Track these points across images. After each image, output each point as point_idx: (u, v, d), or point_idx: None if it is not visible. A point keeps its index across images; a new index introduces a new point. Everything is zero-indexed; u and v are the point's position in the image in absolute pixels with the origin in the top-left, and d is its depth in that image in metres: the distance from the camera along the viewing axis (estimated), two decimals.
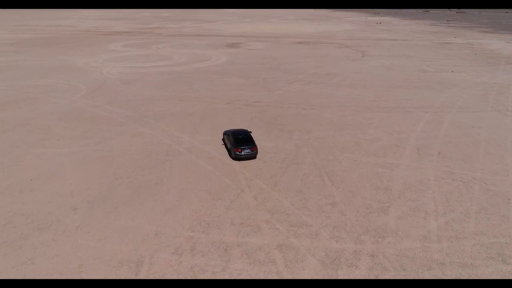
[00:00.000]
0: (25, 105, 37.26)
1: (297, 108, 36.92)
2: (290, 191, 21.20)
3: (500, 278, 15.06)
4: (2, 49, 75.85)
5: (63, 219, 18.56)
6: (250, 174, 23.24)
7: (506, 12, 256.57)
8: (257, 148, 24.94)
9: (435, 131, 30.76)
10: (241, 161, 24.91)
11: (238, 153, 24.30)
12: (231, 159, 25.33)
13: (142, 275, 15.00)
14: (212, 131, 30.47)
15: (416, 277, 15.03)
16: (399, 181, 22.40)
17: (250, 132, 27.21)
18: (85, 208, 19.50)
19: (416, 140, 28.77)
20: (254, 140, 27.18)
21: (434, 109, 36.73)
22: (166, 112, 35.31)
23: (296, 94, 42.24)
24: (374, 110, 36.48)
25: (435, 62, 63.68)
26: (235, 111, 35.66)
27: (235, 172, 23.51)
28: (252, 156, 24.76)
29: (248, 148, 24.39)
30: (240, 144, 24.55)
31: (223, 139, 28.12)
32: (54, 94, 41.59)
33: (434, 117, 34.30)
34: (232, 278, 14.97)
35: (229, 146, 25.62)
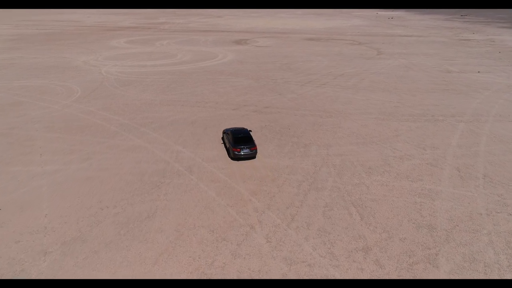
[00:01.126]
0: (11, 110, 33.51)
1: (313, 115, 32.66)
2: (311, 229, 17.10)
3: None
4: (0, 45, 72.38)
5: (28, 269, 14.71)
6: (261, 203, 19.18)
7: None
8: (256, 148, 23.79)
9: (474, 146, 26.34)
10: (250, 186, 20.85)
11: (236, 153, 23.26)
12: (238, 182, 21.30)
13: None
14: (217, 144, 26.41)
15: None
16: (443, 216, 18.16)
17: (250, 131, 25.86)
18: (58, 252, 15.62)
19: (454, 158, 24.40)
20: (256, 141, 25.66)
21: (468, 118, 32.19)
22: (166, 120, 31.30)
23: (310, 98, 37.94)
24: (400, 118, 32.06)
25: (457, 61, 58.67)
26: (242, 119, 31.51)
27: (243, 200, 19.47)
28: (252, 156, 23.72)
29: (247, 148, 23.29)
30: (239, 143, 23.41)
31: (222, 138, 26.65)
32: (45, 97, 37.81)
33: (469, 128, 29.82)
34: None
35: (228, 145, 24.54)
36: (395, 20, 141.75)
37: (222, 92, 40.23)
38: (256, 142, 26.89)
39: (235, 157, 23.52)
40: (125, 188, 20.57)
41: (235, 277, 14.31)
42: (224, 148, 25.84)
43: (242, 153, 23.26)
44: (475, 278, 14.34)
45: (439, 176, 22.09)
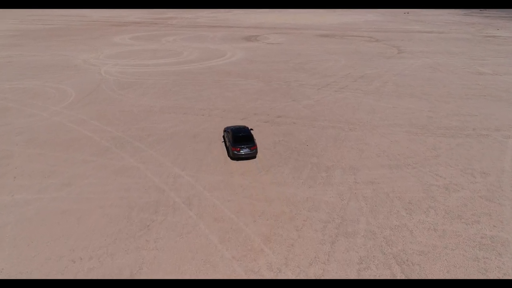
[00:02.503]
0: None
1: (333, 127, 28.04)
2: None
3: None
4: (1, 42, 68.88)
5: None
6: (277, 256, 14.82)
7: None
8: (256, 147, 22.73)
9: None
10: (262, 229, 16.48)
11: (236, 152, 22.26)
12: (247, 221, 16.96)
13: None
14: (222, 165, 22.07)
15: None
16: None
17: (251, 129, 25.15)
18: None
19: None
20: (269, 162, 22.99)
21: None
22: (165, 133, 27.04)
23: (328, 105, 33.25)
24: (435, 132, 27.24)
25: (488, 60, 53.09)
26: (253, 133, 27.06)
27: (254, 250, 15.13)
28: (252, 156, 22.69)
29: (247, 148, 22.27)
30: (238, 143, 22.36)
31: (223, 136, 25.46)
32: (34, 102, 33.85)
33: None
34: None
35: (227, 144, 23.51)
36: (411, 15, 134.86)
37: (230, 97, 35.76)
38: (269, 162, 22.48)
39: (235, 157, 22.49)
40: (107, 229, 16.40)
41: None
42: (233, 183, 21.51)
43: (241, 152, 22.18)
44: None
45: (500, 215, 17.42)
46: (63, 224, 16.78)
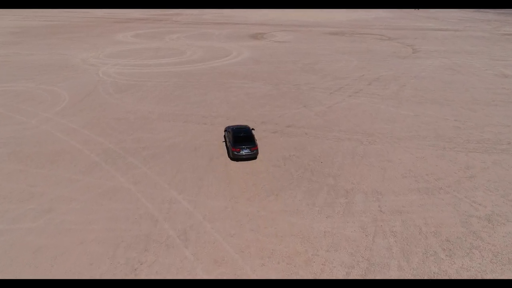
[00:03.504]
0: None
1: (350, 139, 24.92)
2: None
3: None
4: (0, 39, 66.38)
5: None
6: None
7: None
8: (257, 148, 21.91)
9: None
10: (272, 275, 13.52)
11: (236, 153, 21.43)
12: (254, 264, 14.03)
13: None
14: (226, 187, 19.12)
15: None
16: None
17: (253, 129, 24.30)
18: None
19: None
20: (279, 182, 20.19)
21: None
22: (163, 145, 24.14)
23: (342, 112, 30.09)
24: (466, 146, 24.01)
25: (510, 61, 49.37)
26: (260, 145, 24.05)
27: None
28: (252, 157, 21.90)
29: (247, 148, 21.44)
30: (239, 143, 21.50)
31: (224, 136, 24.60)
32: (24, 107, 31.15)
33: None
34: None
35: (227, 144, 22.79)
36: (423, 11, 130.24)
37: (234, 102, 32.73)
38: (279, 184, 19.49)
39: (235, 157, 21.63)
40: (86, 273, 13.57)
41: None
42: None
43: (242, 153, 21.35)
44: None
45: None
46: (34, 265, 13.98)
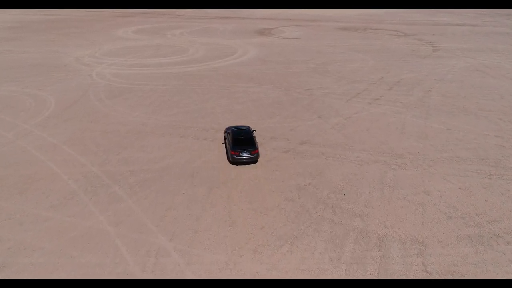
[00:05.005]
0: None
1: (376, 162, 20.76)
2: None
3: None
4: None
5: None
6: None
7: None
8: (258, 151, 20.32)
9: None
10: None
11: (235, 156, 20.08)
12: None
13: None
14: (228, 231, 15.16)
15: None
16: None
17: (254, 130, 22.35)
18: None
19: None
20: (294, 224, 16.49)
21: None
22: (154, 167, 20.22)
23: (363, 124, 25.88)
24: None
25: None
26: (268, 170, 20.02)
27: None
28: (253, 161, 20.44)
29: (247, 152, 20.01)
30: (238, 146, 20.15)
31: (224, 137, 23.08)
32: (2, 116, 27.36)
33: None
34: None
35: (227, 146, 21.35)
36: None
37: (239, 111, 28.65)
38: (294, 227, 15.45)
39: (234, 161, 20.23)
40: None
41: None
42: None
43: (242, 156, 19.91)
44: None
45: None
46: None
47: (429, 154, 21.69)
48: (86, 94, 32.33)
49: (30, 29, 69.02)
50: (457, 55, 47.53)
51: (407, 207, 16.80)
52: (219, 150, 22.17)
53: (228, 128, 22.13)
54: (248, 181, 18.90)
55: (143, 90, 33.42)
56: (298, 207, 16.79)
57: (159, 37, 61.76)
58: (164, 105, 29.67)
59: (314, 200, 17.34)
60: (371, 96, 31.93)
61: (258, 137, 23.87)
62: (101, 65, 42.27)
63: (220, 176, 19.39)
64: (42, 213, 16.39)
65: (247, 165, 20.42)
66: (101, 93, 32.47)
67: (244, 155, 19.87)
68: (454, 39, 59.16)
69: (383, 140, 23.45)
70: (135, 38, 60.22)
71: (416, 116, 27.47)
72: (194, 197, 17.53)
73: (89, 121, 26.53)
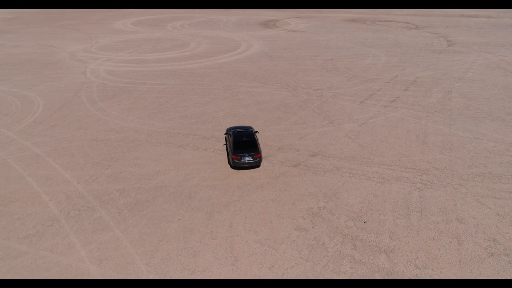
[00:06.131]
0: None
1: (398, 179, 18.20)
2: None
3: None
4: None
5: None
6: None
7: None
8: (261, 155, 18.64)
9: None
10: None
11: (237, 161, 18.38)
12: None
13: None
14: (229, 270, 12.81)
15: None
16: None
17: (257, 132, 20.70)
18: None
19: None
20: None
21: None
22: (147, 186, 17.78)
23: (381, 132, 23.23)
24: None
25: None
26: (276, 189, 17.52)
27: None
28: (255, 165, 18.70)
29: (249, 156, 18.35)
30: (240, 150, 18.47)
31: (225, 139, 21.42)
32: None
33: None
34: None
35: (228, 149, 19.76)
36: None
37: (243, 115, 26.04)
38: (308, 264, 13.02)
39: (235, 166, 18.73)
40: None
41: None
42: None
43: (244, 161, 18.43)
44: None
45: None
46: None
47: (458, 170, 19.08)
48: (77, 95, 29.79)
49: (25, 21, 66.17)
50: (475, 50, 44.36)
51: (440, 240, 14.29)
52: (221, 163, 19.67)
53: (229, 129, 20.65)
54: (253, 203, 16.43)
55: (139, 90, 30.82)
56: (312, 239, 14.33)
57: (159, 29, 58.78)
58: (161, 108, 27.10)
59: (330, 229, 14.86)
60: (386, 97, 29.17)
61: (264, 147, 21.32)
62: (96, 61, 39.60)
63: (221, 197, 16.92)
64: (15, 245, 14.05)
65: (251, 183, 17.92)
66: (93, 94, 29.93)
67: (246, 160, 18.40)
68: (469, 32, 55.75)
69: (404, 152, 20.82)
70: (134, 31, 57.29)
71: (438, 122, 24.75)
72: (191, 225, 15.10)
73: (78, 127, 24.04)
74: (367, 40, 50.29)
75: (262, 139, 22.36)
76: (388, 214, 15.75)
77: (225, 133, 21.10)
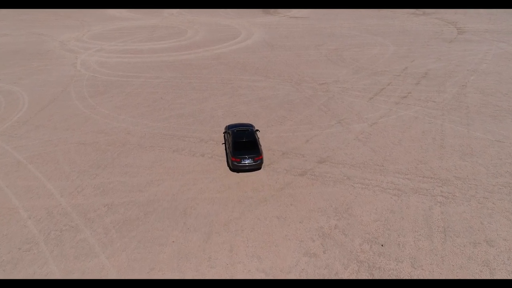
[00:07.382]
0: None
1: (415, 191, 16.26)
2: None
3: None
4: None
5: None
6: None
7: None
8: (262, 157, 17.08)
9: None
10: None
11: (236, 163, 16.88)
12: None
13: None
14: None
15: None
16: None
17: (257, 130, 19.15)
18: None
19: None
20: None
21: None
22: (138, 200, 15.83)
23: (393, 134, 21.14)
24: None
25: None
26: (281, 203, 15.57)
27: None
28: (256, 168, 17.20)
29: (249, 158, 16.83)
30: (239, 151, 16.91)
31: (224, 137, 19.78)
32: None
33: None
34: None
35: (227, 150, 17.97)
36: None
37: (243, 113, 23.88)
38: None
39: (235, 168, 17.15)
40: None
41: None
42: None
43: (244, 163, 16.87)
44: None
45: None
46: None
47: (481, 179, 17.13)
48: (66, 90, 27.53)
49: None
50: (487, 39, 41.75)
51: (468, 268, 12.48)
52: (220, 172, 17.70)
53: (228, 127, 19.16)
54: (256, 222, 14.54)
55: (132, 85, 28.54)
56: (323, 268, 12.50)
57: (155, 16, 55.74)
58: (156, 106, 24.91)
59: (343, 254, 13.02)
60: (397, 93, 26.95)
61: (267, 152, 19.31)
62: (88, 51, 37.06)
63: (220, 213, 15.01)
64: None
65: (254, 196, 16.00)
66: (83, 89, 27.66)
67: (247, 162, 16.98)
68: (479, 19, 52.85)
69: (420, 158, 18.82)
70: (129, 17, 54.28)
71: (455, 121, 22.64)
72: (187, 250, 13.24)
73: (66, 128, 21.93)
74: (372, 28, 47.53)
75: (264, 142, 20.32)
76: (408, 235, 13.89)
77: (224, 132, 19.41)
